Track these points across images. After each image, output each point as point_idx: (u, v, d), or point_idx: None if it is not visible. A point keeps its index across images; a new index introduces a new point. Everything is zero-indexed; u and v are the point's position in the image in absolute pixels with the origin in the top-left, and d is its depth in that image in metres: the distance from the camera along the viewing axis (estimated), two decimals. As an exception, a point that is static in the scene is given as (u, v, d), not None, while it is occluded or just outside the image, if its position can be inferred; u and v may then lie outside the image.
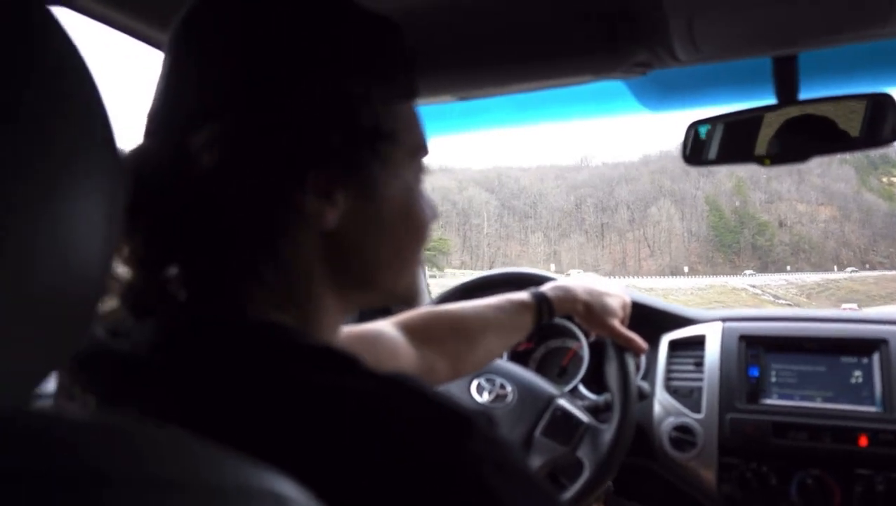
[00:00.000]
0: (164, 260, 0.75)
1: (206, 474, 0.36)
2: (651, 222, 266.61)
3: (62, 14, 0.42)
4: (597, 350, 2.12)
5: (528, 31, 1.39)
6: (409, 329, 1.42)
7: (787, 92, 1.47)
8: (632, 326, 1.70)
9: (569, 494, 1.64)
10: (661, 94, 1.80)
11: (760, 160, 1.56)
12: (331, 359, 0.67)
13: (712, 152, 1.64)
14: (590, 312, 1.63)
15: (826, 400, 1.86)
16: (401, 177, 0.85)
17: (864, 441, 1.74)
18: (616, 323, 1.66)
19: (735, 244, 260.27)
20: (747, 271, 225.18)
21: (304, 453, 0.56)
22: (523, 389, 1.86)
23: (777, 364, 1.95)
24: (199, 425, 0.45)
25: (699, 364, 2.03)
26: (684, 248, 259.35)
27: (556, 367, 2.25)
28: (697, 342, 2.08)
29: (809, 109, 1.49)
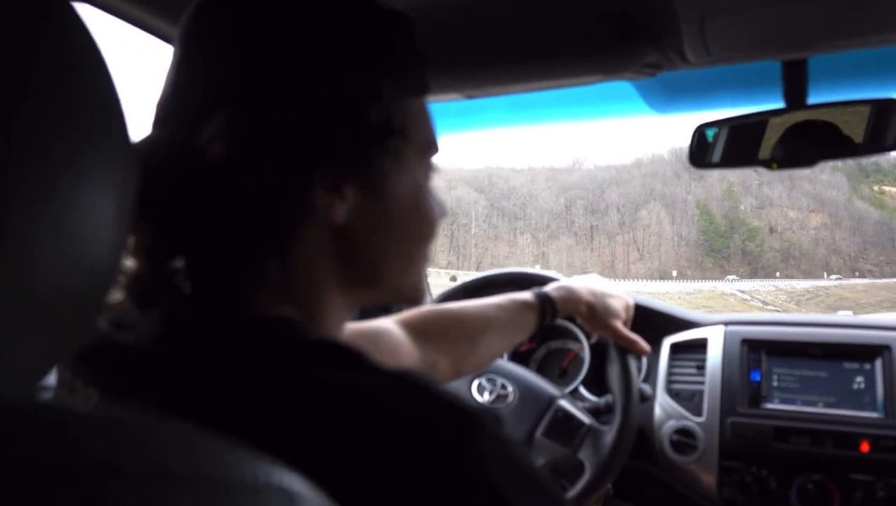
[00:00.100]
0: (170, 252, 0.76)
1: (214, 468, 0.37)
2: (641, 226, 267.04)
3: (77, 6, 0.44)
4: (598, 352, 2.12)
5: (539, 31, 1.40)
6: (411, 327, 1.42)
7: (795, 96, 1.47)
8: (634, 329, 1.70)
9: (569, 495, 1.65)
10: (668, 96, 1.81)
11: (767, 164, 1.57)
12: (337, 354, 0.67)
13: (717, 155, 1.65)
14: (593, 313, 1.64)
15: (828, 405, 1.87)
16: (410, 173, 0.85)
17: (865, 447, 1.75)
18: (619, 324, 1.66)
19: (725, 249, 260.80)
20: (730, 277, 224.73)
21: (310, 449, 0.56)
22: (524, 389, 1.87)
23: (779, 369, 1.96)
24: (203, 419, 0.46)
25: (701, 367, 2.04)
26: (674, 252, 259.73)
27: (557, 368, 2.26)
28: (699, 345, 2.09)
29: (816, 114, 1.49)
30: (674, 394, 2.03)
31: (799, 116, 1.51)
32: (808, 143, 1.51)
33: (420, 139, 0.86)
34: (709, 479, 1.89)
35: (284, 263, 0.76)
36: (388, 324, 1.41)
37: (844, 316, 2.39)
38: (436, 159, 0.91)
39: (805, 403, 1.89)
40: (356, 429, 0.58)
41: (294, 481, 0.40)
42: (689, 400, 2.00)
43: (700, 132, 1.65)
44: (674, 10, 1.22)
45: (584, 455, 1.72)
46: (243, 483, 0.37)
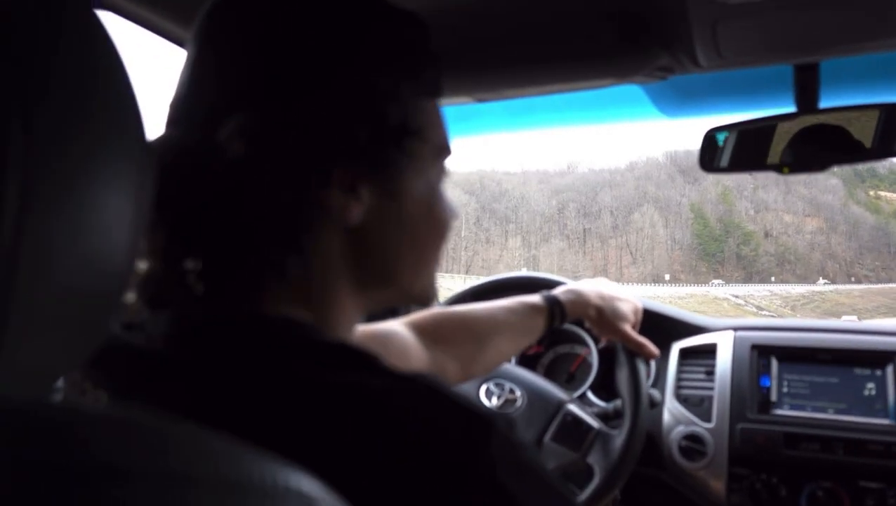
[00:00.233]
0: (183, 252, 0.76)
1: (227, 469, 0.36)
2: (634, 229, 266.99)
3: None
4: (606, 357, 2.13)
5: (550, 33, 1.40)
6: (420, 329, 1.43)
7: (807, 100, 1.48)
8: (642, 334, 1.72)
9: (578, 500, 1.65)
10: (678, 100, 1.82)
11: (778, 169, 1.57)
12: (349, 356, 0.68)
13: (725, 160, 1.66)
14: (601, 316, 1.65)
15: (839, 412, 1.87)
16: (425, 175, 0.86)
17: (876, 454, 1.75)
18: (627, 328, 1.68)
19: (719, 253, 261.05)
20: (715, 281, 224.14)
21: (322, 450, 0.57)
22: (532, 393, 1.88)
23: (789, 374, 1.96)
24: (214, 421, 0.46)
25: (710, 373, 2.04)
26: (667, 256, 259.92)
27: (565, 373, 2.27)
28: (709, 351, 2.09)
29: (826, 119, 1.50)
30: (683, 399, 2.03)
31: (809, 121, 1.52)
32: (819, 147, 1.52)
33: (434, 140, 0.87)
34: (718, 485, 1.89)
35: (299, 264, 0.77)
36: (396, 326, 1.42)
37: (851, 321, 2.40)
38: (449, 161, 0.92)
39: (815, 409, 1.89)
40: (368, 431, 0.59)
41: (311, 485, 0.40)
42: (698, 406, 2.00)
43: (710, 136, 1.66)
44: (686, 13, 1.23)
45: (594, 459, 1.72)
46: (259, 485, 0.37)
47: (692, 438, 1.94)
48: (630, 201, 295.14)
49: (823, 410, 1.89)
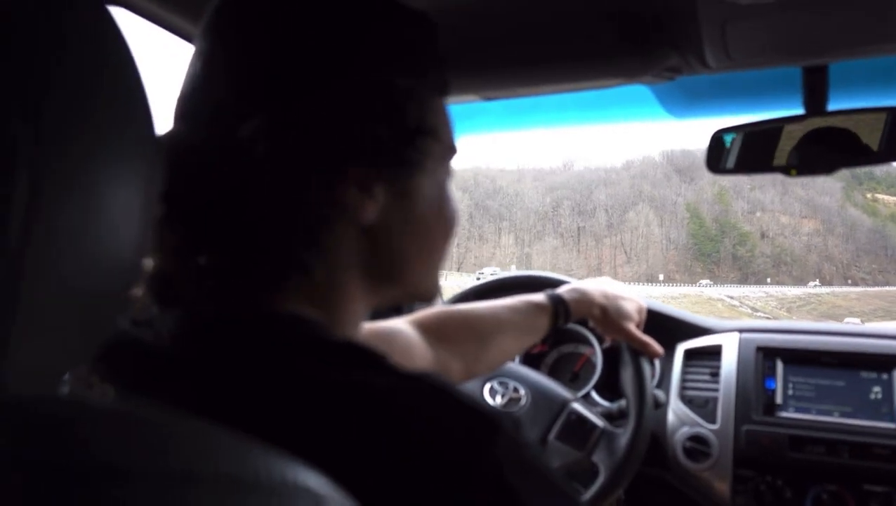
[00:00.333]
0: (194, 249, 0.77)
1: (233, 466, 0.37)
2: (629, 228, 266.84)
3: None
4: (610, 357, 2.14)
5: (559, 33, 1.41)
6: (424, 328, 1.44)
7: (815, 102, 1.49)
8: (647, 334, 1.72)
9: (583, 499, 1.66)
10: (686, 101, 1.82)
11: (786, 171, 1.59)
12: (357, 355, 0.69)
13: (732, 161, 1.68)
14: (606, 315, 1.66)
15: (844, 415, 1.87)
16: (435, 174, 0.87)
17: (882, 458, 1.76)
18: (632, 327, 1.68)
19: (715, 254, 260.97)
20: (703, 281, 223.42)
21: (329, 448, 0.57)
22: (537, 392, 1.89)
23: (795, 377, 1.97)
24: (222, 418, 0.47)
25: (715, 374, 2.05)
26: (662, 255, 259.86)
27: (568, 372, 2.28)
28: (714, 352, 2.10)
29: (833, 121, 1.51)
30: (687, 400, 2.04)
31: (816, 123, 1.53)
32: (826, 150, 1.53)
33: (444, 140, 0.88)
34: (722, 487, 1.89)
35: (314, 262, 0.78)
36: (400, 324, 1.42)
37: (856, 324, 2.41)
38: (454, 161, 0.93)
39: (821, 412, 1.90)
40: (375, 429, 0.59)
41: (318, 481, 0.41)
42: (703, 407, 2.01)
43: (718, 137, 1.68)
44: (695, 14, 1.24)
45: (599, 458, 1.74)
46: (266, 482, 0.37)
47: (697, 439, 1.95)
48: (625, 200, 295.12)
49: (829, 413, 1.89)
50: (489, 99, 1.75)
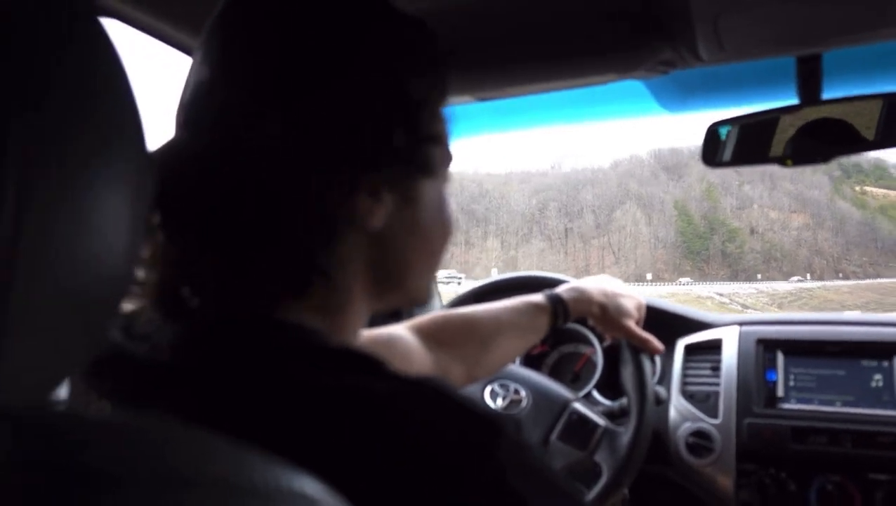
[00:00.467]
0: (197, 259, 0.77)
1: (226, 471, 0.37)
2: (616, 228, 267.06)
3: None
4: (610, 356, 2.16)
5: (550, 29, 1.42)
6: (423, 333, 1.45)
7: (809, 92, 1.50)
8: (646, 330, 1.73)
9: (587, 499, 1.67)
10: (681, 95, 1.83)
11: (782, 161, 1.60)
12: (356, 361, 0.69)
13: (727, 154, 1.69)
14: (605, 313, 1.67)
15: (846, 404, 1.89)
16: (437, 181, 0.89)
17: (885, 446, 1.77)
18: (631, 324, 1.70)
19: (704, 251, 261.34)
20: (682, 280, 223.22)
21: (330, 455, 0.57)
22: (538, 393, 1.90)
23: (795, 368, 1.98)
24: (220, 427, 0.47)
25: (716, 369, 2.06)
26: (651, 254, 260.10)
27: (570, 372, 2.29)
28: (714, 347, 2.11)
29: (828, 111, 1.52)
30: (689, 396, 2.06)
31: (811, 113, 1.54)
32: (822, 139, 1.54)
33: (446, 145, 0.89)
34: (726, 481, 1.90)
35: (323, 269, 0.78)
36: (400, 330, 1.43)
37: (856, 314, 2.42)
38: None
39: (822, 402, 1.91)
40: (375, 436, 0.59)
41: (314, 487, 0.41)
42: (705, 402, 2.02)
43: (713, 130, 1.69)
44: (688, 6, 1.25)
45: (601, 458, 1.75)
46: (261, 488, 0.37)
47: (699, 434, 1.96)
48: (612, 199, 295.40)
49: (831, 403, 1.91)
50: (483, 99, 1.75)
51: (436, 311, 1.70)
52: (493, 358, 1.52)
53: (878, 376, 1.91)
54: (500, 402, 1.90)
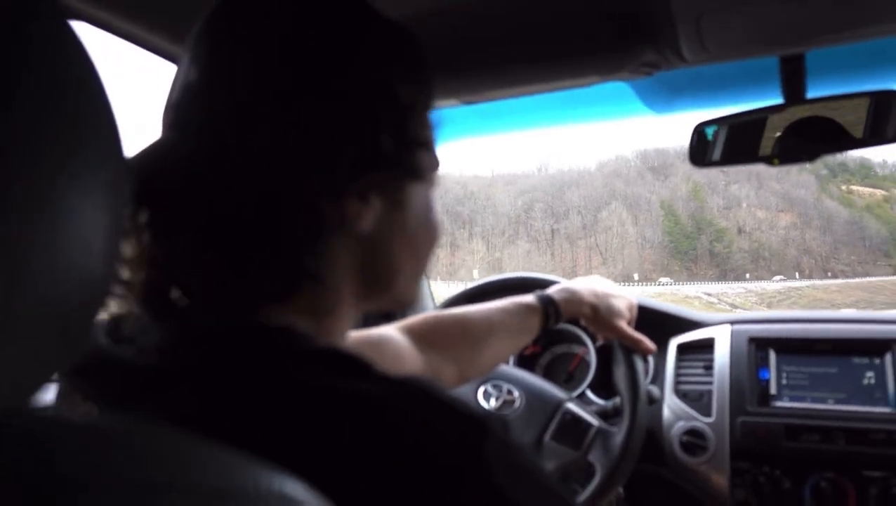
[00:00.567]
0: (184, 260, 0.78)
1: (205, 475, 0.38)
2: (603, 228, 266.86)
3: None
4: (604, 356, 2.17)
5: (535, 32, 1.43)
6: (415, 334, 1.46)
7: (794, 91, 1.52)
8: (639, 330, 1.75)
9: (581, 498, 1.69)
10: (666, 96, 1.84)
11: (769, 160, 1.62)
12: (343, 363, 0.70)
13: (717, 154, 1.70)
14: (596, 314, 1.69)
15: (839, 402, 1.90)
16: (425, 185, 0.90)
17: (878, 443, 1.79)
18: (623, 324, 1.72)
19: (692, 251, 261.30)
20: (662, 280, 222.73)
21: (316, 457, 0.58)
22: (531, 394, 1.92)
23: (788, 366, 2.00)
24: (207, 430, 0.47)
25: (708, 368, 2.07)
26: (638, 255, 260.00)
27: (563, 373, 2.31)
28: (706, 346, 2.13)
29: (815, 109, 1.54)
30: (682, 395, 2.07)
31: (798, 112, 1.55)
32: (809, 137, 1.56)
33: (433, 149, 0.91)
34: (720, 480, 1.92)
35: (311, 272, 0.79)
36: (391, 331, 1.44)
37: (849, 311, 2.45)
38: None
39: (815, 400, 1.93)
40: (362, 436, 0.60)
41: (296, 488, 0.41)
42: (698, 401, 2.04)
43: (699, 131, 1.71)
44: (670, 8, 1.26)
45: (595, 457, 1.77)
46: (242, 490, 0.38)
47: (693, 433, 1.97)
48: (598, 200, 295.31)
49: (823, 400, 1.92)
50: (468, 103, 1.76)
51: (428, 312, 1.71)
52: (485, 359, 1.54)
53: (869, 374, 1.92)
54: (493, 402, 1.91)
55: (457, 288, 2.26)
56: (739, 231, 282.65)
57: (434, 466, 0.60)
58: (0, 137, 0.36)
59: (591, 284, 1.75)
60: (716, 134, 1.70)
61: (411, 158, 0.85)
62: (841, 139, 1.54)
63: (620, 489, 1.86)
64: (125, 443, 0.38)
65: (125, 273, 0.76)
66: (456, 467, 0.60)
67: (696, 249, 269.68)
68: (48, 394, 0.78)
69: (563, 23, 1.40)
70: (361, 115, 0.78)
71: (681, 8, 1.26)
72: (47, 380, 0.44)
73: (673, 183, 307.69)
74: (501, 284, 2.14)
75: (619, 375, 1.82)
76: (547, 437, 1.83)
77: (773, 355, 2.03)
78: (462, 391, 1.92)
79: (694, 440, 1.97)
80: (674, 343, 2.20)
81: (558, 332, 2.29)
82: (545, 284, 1.87)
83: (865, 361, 1.95)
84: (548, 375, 2.31)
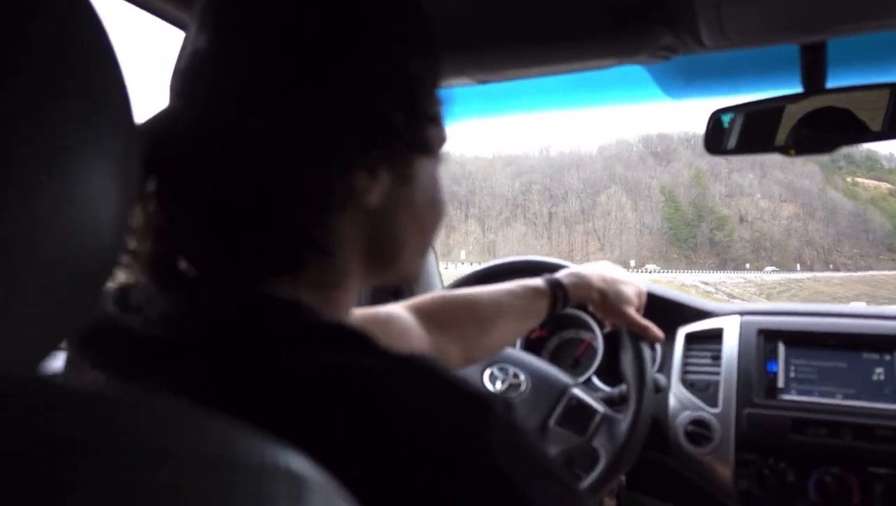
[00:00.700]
0: (192, 230, 0.79)
1: (215, 446, 0.37)
2: (601, 213, 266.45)
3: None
4: (611, 342, 2.19)
5: (552, 13, 1.44)
6: (422, 313, 1.48)
7: (813, 80, 1.52)
8: (647, 318, 1.77)
9: (584, 484, 1.72)
10: (683, 82, 1.85)
11: (784, 150, 1.63)
12: (349, 338, 0.71)
13: (732, 141, 1.71)
14: (604, 299, 1.70)
15: (847, 397, 1.91)
16: (433, 161, 0.92)
17: (886, 439, 1.79)
18: (631, 311, 1.73)
19: (691, 239, 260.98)
20: (649, 266, 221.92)
21: (317, 432, 0.59)
22: (537, 378, 1.94)
23: (796, 359, 2.01)
24: (209, 401, 0.47)
25: (716, 358, 2.09)
26: (636, 241, 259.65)
27: (570, 358, 2.33)
28: (715, 336, 2.13)
29: (834, 100, 1.54)
30: (689, 384, 2.08)
31: (816, 102, 1.56)
32: (826, 128, 1.57)
33: (441, 125, 0.92)
34: (724, 471, 1.93)
35: (320, 245, 0.80)
36: (398, 309, 1.46)
37: (859, 306, 2.44)
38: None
39: (823, 394, 1.93)
40: (364, 412, 0.61)
41: (302, 465, 0.41)
42: (705, 391, 2.05)
43: (716, 118, 1.72)
44: None
45: (599, 443, 1.79)
46: (247, 463, 0.37)
47: (698, 423, 1.99)
48: (597, 183, 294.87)
49: (831, 395, 1.93)
50: (483, 82, 1.77)
51: (436, 291, 1.72)
52: (492, 340, 1.55)
53: (879, 370, 1.93)
54: (498, 385, 1.93)
55: (449, 269, 2.26)
56: (741, 220, 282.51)
57: (434, 444, 0.60)
58: (11, 102, 0.37)
59: (600, 270, 1.76)
60: (732, 122, 1.71)
61: (421, 133, 0.86)
62: (859, 131, 1.54)
63: (623, 477, 1.87)
64: (126, 410, 0.38)
65: (131, 243, 0.78)
66: (456, 446, 0.61)
67: (695, 236, 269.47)
68: (57, 362, 0.78)
69: (583, 4, 1.41)
70: (373, 87, 0.80)
71: None
72: (55, 347, 0.45)
73: (675, 169, 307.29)
74: (510, 266, 2.15)
75: (626, 362, 1.83)
76: (552, 421, 1.85)
77: (781, 348, 2.04)
78: (468, 373, 1.94)
79: (699, 430, 1.98)
80: (682, 332, 2.21)
81: (566, 317, 2.31)
82: (554, 267, 1.87)
83: (875, 356, 1.95)
84: (554, 359, 2.33)
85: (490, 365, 1.98)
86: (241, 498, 0.36)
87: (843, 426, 1.85)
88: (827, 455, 1.86)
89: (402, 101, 0.82)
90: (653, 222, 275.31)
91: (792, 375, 2.00)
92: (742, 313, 2.18)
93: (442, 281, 2.50)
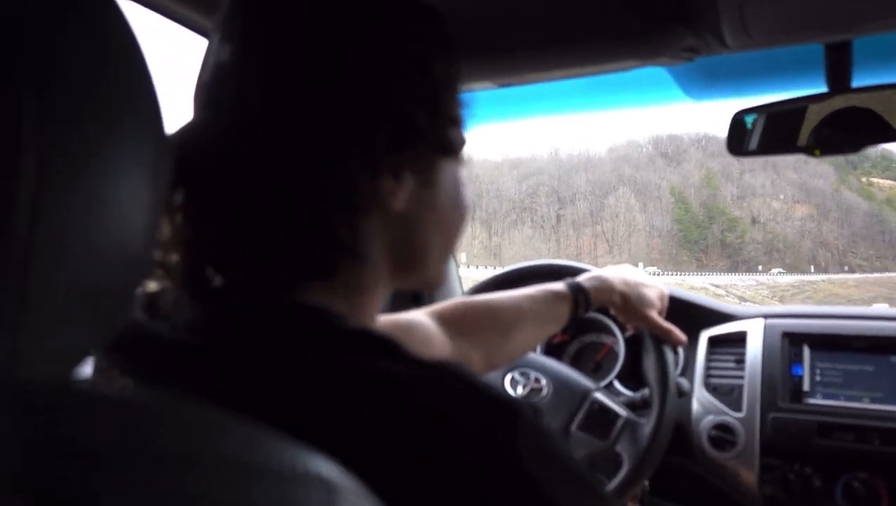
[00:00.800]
0: (220, 240, 0.80)
1: (245, 452, 0.38)
2: (610, 215, 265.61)
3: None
4: (633, 346, 2.20)
5: (575, 15, 1.45)
6: (444, 319, 1.49)
7: (838, 80, 1.52)
8: (669, 321, 1.78)
9: (608, 489, 1.73)
10: (705, 83, 1.85)
11: (809, 151, 1.64)
12: (377, 345, 0.71)
13: (754, 142, 1.72)
14: (627, 302, 1.71)
15: (874, 401, 1.90)
16: (455, 163, 0.94)
17: None
18: (654, 314, 1.74)
19: (702, 241, 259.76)
20: (648, 270, 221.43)
21: (346, 437, 0.60)
22: (558, 382, 1.95)
23: (822, 363, 2.00)
24: (243, 408, 0.48)
25: (740, 362, 2.09)
26: (646, 243, 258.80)
27: (591, 362, 2.34)
28: (738, 339, 2.14)
29: (858, 100, 1.54)
30: (712, 389, 2.09)
31: (840, 102, 1.56)
32: (852, 128, 1.57)
33: (463, 128, 0.94)
34: (749, 476, 1.93)
35: (347, 250, 0.81)
36: (420, 316, 1.47)
37: (883, 308, 2.44)
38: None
39: (849, 398, 1.93)
40: (392, 417, 0.62)
41: (332, 471, 0.41)
42: (728, 395, 2.05)
43: (738, 119, 1.72)
44: None
45: (622, 448, 1.80)
46: (275, 469, 0.38)
47: (722, 427, 1.99)
48: (606, 185, 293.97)
49: (858, 399, 1.92)
50: (505, 86, 1.77)
51: (456, 297, 1.73)
52: (514, 346, 1.57)
53: None
54: (520, 390, 1.95)
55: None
56: (753, 221, 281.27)
57: (464, 449, 0.61)
58: (44, 108, 0.38)
59: (621, 273, 1.77)
60: (755, 122, 1.72)
61: (444, 134, 0.88)
62: (884, 131, 1.55)
63: (646, 482, 1.88)
64: (152, 417, 0.38)
65: (159, 255, 0.79)
66: (485, 452, 0.62)
67: (706, 238, 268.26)
68: (86, 368, 0.80)
69: (604, 6, 1.41)
70: (399, 90, 0.81)
71: None
72: (85, 355, 0.47)
73: (685, 170, 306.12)
74: (531, 270, 2.16)
75: (649, 365, 1.85)
76: (574, 426, 1.87)
77: (807, 351, 2.04)
78: (490, 378, 1.93)
79: (723, 435, 1.98)
80: (705, 336, 2.22)
81: (587, 320, 2.31)
82: (575, 271, 1.89)
83: None
84: (575, 363, 2.33)
85: (511, 370, 1.99)
86: (270, 504, 0.37)
87: (870, 431, 1.84)
88: (854, 460, 1.86)
89: (425, 101, 0.84)
90: (662, 224, 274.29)
91: (817, 378, 2.00)
92: (766, 316, 2.17)
93: (462, 287, 2.51)
